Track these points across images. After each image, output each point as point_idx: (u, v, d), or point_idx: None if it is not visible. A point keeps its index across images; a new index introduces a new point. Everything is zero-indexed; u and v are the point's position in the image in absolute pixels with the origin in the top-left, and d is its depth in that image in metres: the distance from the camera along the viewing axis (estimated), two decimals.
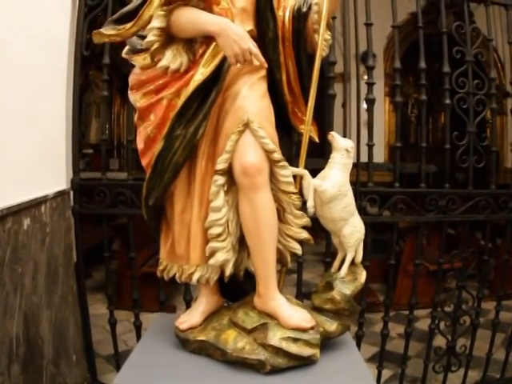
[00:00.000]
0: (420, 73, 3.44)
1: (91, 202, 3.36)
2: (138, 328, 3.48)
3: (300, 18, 2.31)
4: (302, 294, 3.38)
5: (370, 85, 3.34)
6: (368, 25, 3.35)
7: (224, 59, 2.01)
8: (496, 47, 3.81)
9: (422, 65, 3.43)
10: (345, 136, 3.18)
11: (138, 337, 3.47)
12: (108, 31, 2.09)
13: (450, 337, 3.78)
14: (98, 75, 8.44)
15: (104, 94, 3.49)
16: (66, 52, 3.29)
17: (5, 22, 2.49)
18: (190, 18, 2.02)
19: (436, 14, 5.45)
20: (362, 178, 3.22)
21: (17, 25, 2.62)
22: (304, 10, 2.31)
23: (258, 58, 2.00)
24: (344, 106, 3.23)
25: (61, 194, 3.13)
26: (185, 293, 3.35)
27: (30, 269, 2.71)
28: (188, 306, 3.35)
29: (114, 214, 3.67)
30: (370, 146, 3.30)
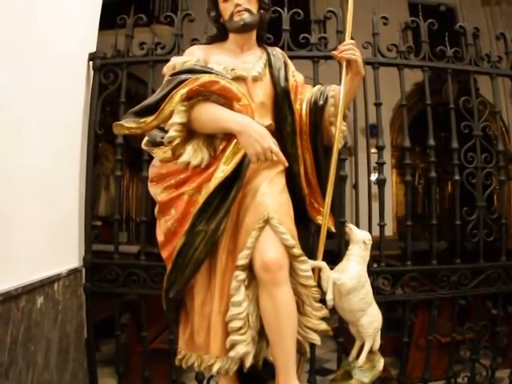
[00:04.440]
0: (429, 150, 3.49)
1: (103, 280, 3.35)
2: None
3: (317, 110, 2.38)
4: (315, 371, 3.36)
5: (381, 165, 3.39)
6: (377, 104, 3.43)
7: (244, 156, 2.05)
8: (500, 111, 3.85)
9: (431, 142, 3.48)
10: (357, 214, 3.27)
11: None
12: (129, 124, 2.09)
13: None
14: (108, 148, 8.55)
15: (117, 174, 3.52)
16: (79, 129, 3.34)
17: (20, 99, 2.54)
18: (211, 115, 2.06)
19: (441, 84, 5.56)
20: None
21: (32, 102, 2.67)
22: (321, 102, 2.37)
23: (279, 157, 2.03)
24: (355, 186, 3.24)
25: (73, 271, 3.13)
26: (197, 372, 3.29)
27: (43, 346, 2.70)
28: None
29: (126, 293, 3.63)
30: (382, 226, 3.34)
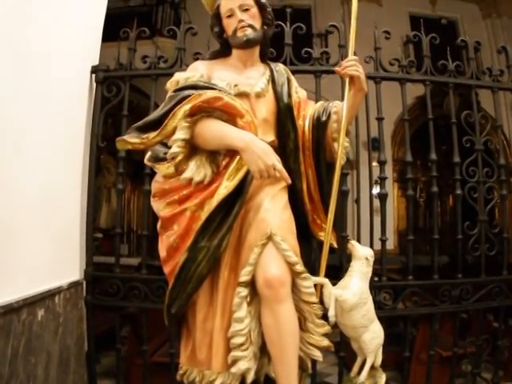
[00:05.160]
0: (431, 164, 3.49)
1: (104, 294, 3.34)
2: None
3: (319, 126, 2.39)
4: None
5: (383, 179, 3.38)
6: (379, 119, 3.43)
7: (247, 172, 2.05)
8: (501, 125, 3.85)
9: (433, 156, 3.47)
10: (358, 229, 3.27)
11: None
12: (132, 139, 2.09)
13: None
14: (110, 160, 8.56)
15: (118, 188, 3.50)
16: (81, 142, 3.34)
17: (23, 111, 2.55)
18: (214, 131, 2.06)
19: (442, 97, 5.56)
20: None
21: (34, 114, 2.68)
22: (323, 118, 2.38)
23: (282, 174, 2.04)
24: (357, 201, 3.24)
25: (74, 284, 3.13)
26: None
27: (43, 359, 2.69)
28: None
29: (127, 306, 3.60)
30: (384, 241, 3.34)
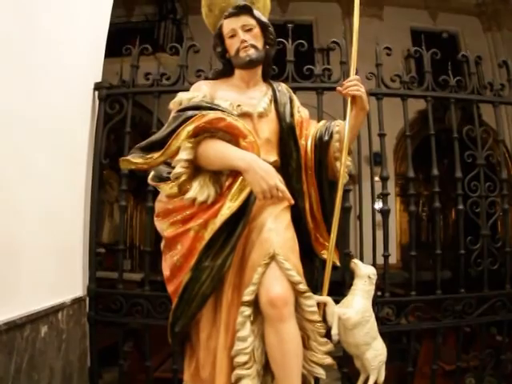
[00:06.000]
0: (433, 180, 3.50)
1: (107, 310, 3.34)
2: None
3: (322, 146, 2.40)
4: None
5: (385, 195, 3.38)
6: (381, 135, 3.42)
7: (250, 193, 2.06)
8: (503, 139, 3.85)
9: (435, 172, 3.47)
10: (361, 244, 3.26)
11: None
12: (135, 159, 2.10)
13: None
14: (112, 175, 8.56)
15: (121, 204, 3.48)
16: (84, 159, 3.35)
17: (26, 129, 2.57)
18: (217, 152, 2.07)
19: (443, 111, 5.56)
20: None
21: (37, 131, 2.70)
22: (326, 138, 2.40)
23: (285, 195, 2.04)
24: (360, 217, 3.23)
25: (77, 300, 3.13)
26: None
27: (46, 375, 2.69)
28: None
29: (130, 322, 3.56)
30: (386, 257, 3.33)
